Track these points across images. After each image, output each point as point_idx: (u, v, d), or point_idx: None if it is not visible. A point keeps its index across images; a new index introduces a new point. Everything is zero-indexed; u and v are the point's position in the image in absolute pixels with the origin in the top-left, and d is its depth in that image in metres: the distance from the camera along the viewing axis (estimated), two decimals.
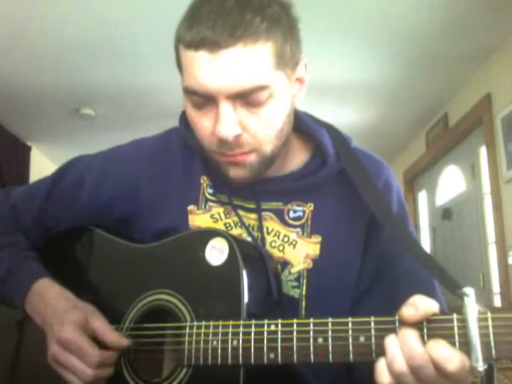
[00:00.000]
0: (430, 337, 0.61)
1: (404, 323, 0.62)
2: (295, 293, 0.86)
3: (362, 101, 3.76)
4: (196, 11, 0.75)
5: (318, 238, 0.87)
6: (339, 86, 3.48)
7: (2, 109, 3.77)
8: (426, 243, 4.37)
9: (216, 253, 0.80)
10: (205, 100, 0.76)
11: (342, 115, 3.93)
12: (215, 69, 0.72)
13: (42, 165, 4.79)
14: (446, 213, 3.97)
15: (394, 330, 0.63)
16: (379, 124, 4.13)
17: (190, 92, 0.76)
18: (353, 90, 3.56)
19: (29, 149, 4.48)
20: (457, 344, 0.59)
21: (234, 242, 0.79)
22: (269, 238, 0.87)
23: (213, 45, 0.72)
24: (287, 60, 0.77)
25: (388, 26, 2.76)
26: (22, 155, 4.36)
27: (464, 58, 3.10)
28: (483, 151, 3.33)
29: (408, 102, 3.74)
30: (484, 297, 3.23)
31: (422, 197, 4.62)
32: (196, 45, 0.73)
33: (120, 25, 2.76)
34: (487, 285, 3.28)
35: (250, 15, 0.72)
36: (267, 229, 0.87)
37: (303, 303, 0.86)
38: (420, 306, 0.62)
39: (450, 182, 3.95)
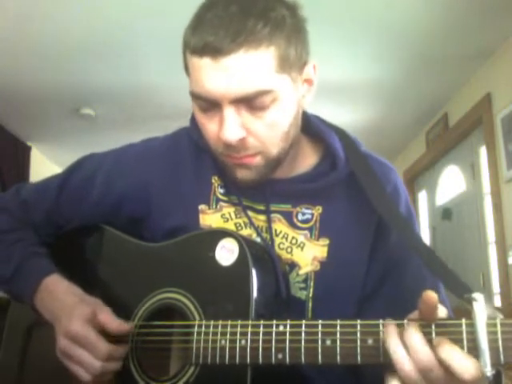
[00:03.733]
0: None
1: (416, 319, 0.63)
2: (302, 295, 0.86)
3: (362, 101, 3.76)
4: (200, 16, 0.76)
5: (325, 241, 0.87)
6: (339, 86, 3.47)
7: (2, 109, 3.76)
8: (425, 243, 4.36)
9: (226, 253, 0.80)
10: (210, 104, 0.77)
11: (342, 115, 3.93)
12: (218, 75, 0.74)
13: (42, 165, 4.79)
14: (446, 213, 3.97)
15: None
16: (379, 124, 4.13)
17: (195, 96, 0.78)
18: (353, 90, 3.56)
19: (29, 149, 4.47)
20: (465, 349, 0.60)
21: (244, 242, 0.80)
22: (277, 240, 0.88)
23: (215, 51, 0.73)
24: (292, 63, 0.78)
25: (388, 25, 2.76)
26: (21, 155, 4.35)
27: (464, 58, 3.10)
28: (483, 151, 3.33)
29: (408, 101, 3.74)
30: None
31: (422, 197, 4.62)
32: (200, 51, 0.74)
33: (120, 25, 2.76)
34: (487, 285, 3.28)
35: (253, 20, 0.73)
36: (275, 231, 0.88)
37: (310, 305, 0.86)
38: (427, 300, 0.62)
39: (450, 182, 3.95)
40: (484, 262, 3.34)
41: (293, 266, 0.87)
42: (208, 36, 0.73)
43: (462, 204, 3.72)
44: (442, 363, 0.59)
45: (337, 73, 3.29)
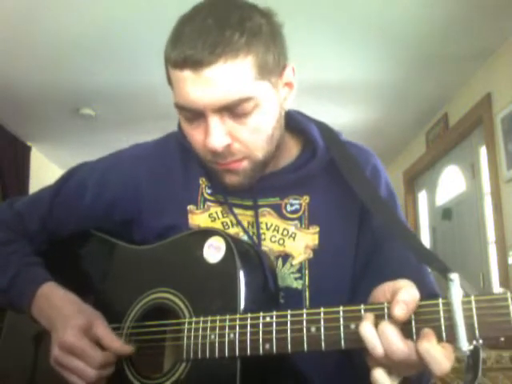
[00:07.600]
0: (418, 322, 0.63)
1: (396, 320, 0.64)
2: (298, 284, 0.89)
3: (362, 101, 3.76)
4: (179, 31, 0.79)
5: (315, 229, 0.90)
6: (339, 86, 3.48)
7: (2, 109, 3.77)
8: (426, 243, 4.36)
9: (213, 251, 0.82)
10: (194, 115, 0.80)
11: (342, 115, 3.93)
12: (200, 86, 0.77)
13: (42, 165, 4.79)
14: (446, 213, 3.97)
15: (383, 317, 0.65)
16: (379, 124, 4.13)
17: (180, 108, 0.81)
18: (353, 90, 3.56)
19: (29, 149, 4.48)
20: (442, 327, 0.62)
21: (230, 239, 0.82)
22: (268, 234, 0.91)
23: (195, 63, 0.76)
24: (271, 68, 0.81)
25: (388, 25, 2.76)
26: (21, 155, 4.36)
27: (464, 58, 3.10)
28: (483, 151, 3.33)
29: (408, 101, 3.74)
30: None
31: (422, 197, 4.62)
32: (180, 64, 0.77)
33: (120, 25, 2.76)
34: (487, 285, 3.28)
35: (229, 32, 0.76)
36: (266, 224, 0.91)
37: (307, 294, 0.88)
38: (408, 300, 0.63)
39: (450, 182, 3.94)
40: (484, 262, 3.34)
41: (286, 257, 0.90)
42: (187, 49, 0.76)
43: (461, 204, 3.72)
44: (418, 353, 0.61)
45: (337, 73, 3.30)
